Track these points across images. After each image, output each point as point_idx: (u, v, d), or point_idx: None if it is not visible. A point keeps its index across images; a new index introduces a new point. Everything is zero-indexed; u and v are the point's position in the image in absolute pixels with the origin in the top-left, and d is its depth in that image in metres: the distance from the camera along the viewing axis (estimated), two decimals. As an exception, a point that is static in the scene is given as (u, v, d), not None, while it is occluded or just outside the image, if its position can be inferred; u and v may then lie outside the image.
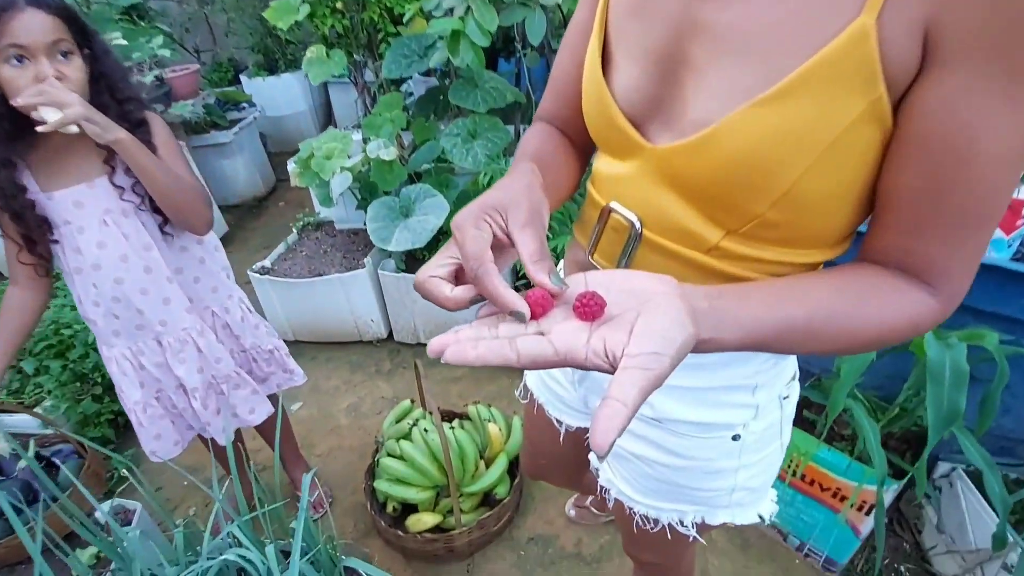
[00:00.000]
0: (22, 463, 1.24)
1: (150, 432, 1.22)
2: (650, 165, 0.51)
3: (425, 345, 2.40)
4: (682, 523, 0.71)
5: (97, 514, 1.28)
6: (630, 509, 0.74)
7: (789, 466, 1.33)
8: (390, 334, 2.26)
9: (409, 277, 2.04)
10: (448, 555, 1.44)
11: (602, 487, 0.80)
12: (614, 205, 0.56)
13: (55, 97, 0.88)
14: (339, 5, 2.17)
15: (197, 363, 1.19)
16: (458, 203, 2.10)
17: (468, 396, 1.98)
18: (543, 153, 0.62)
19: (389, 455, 1.49)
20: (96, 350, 1.84)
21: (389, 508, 1.49)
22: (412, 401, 1.65)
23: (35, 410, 1.68)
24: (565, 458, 0.95)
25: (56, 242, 1.04)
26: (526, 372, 0.89)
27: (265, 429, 1.55)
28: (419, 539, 1.38)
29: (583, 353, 0.36)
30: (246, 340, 1.29)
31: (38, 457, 1.27)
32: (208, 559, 0.96)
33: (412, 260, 2.16)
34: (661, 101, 0.50)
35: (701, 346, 0.39)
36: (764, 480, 0.69)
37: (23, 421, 1.67)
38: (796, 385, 0.68)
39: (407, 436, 1.49)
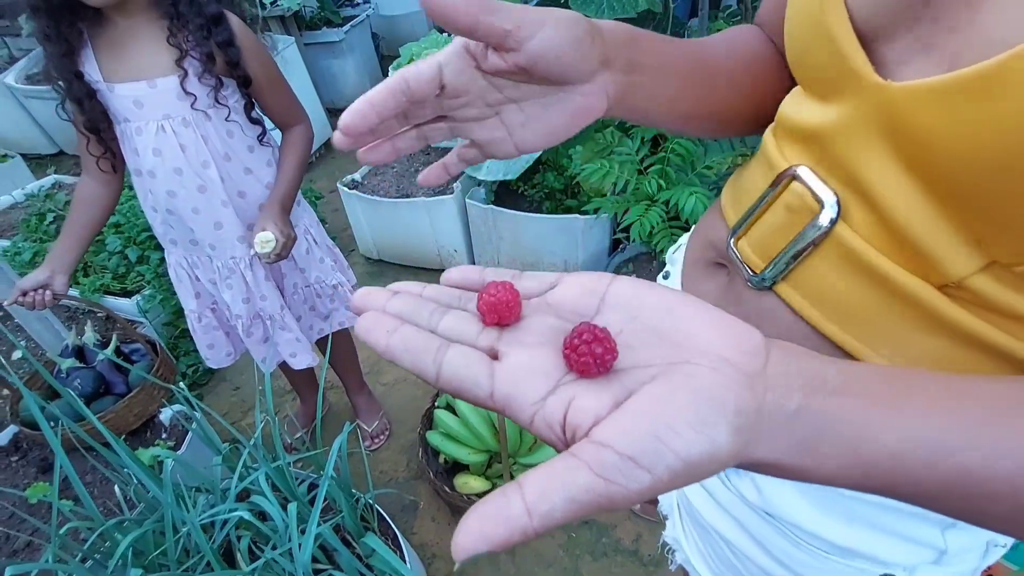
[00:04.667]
0: (101, 355, 1.28)
1: (204, 340, 1.22)
2: (881, 115, 0.29)
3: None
4: None
5: (160, 416, 1.32)
6: None
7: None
8: (473, 267, 2.13)
9: (498, 211, 1.85)
10: (495, 520, 1.35)
11: (665, 543, 0.61)
12: (802, 171, 0.34)
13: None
14: None
15: (243, 293, 1.12)
16: (562, 132, 1.84)
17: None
18: (714, 44, 0.42)
19: (448, 406, 1.39)
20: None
21: (441, 459, 1.41)
22: (480, 350, 1.53)
23: (135, 298, 1.78)
24: None
25: (115, 139, 0.98)
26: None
27: (332, 358, 1.52)
28: (465, 500, 1.30)
29: (529, 411, 0.23)
30: (311, 274, 1.21)
31: (118, 352, 1.31)
32: (235, 503, 0.92)
33: (504, 191, 1.96)
34: (923, 5, 0.27)
35: (761, 469, 0.23)
36: None
37: (124, 304, 1.77)
38: None
39: (468, 389, 1.38)
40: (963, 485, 0.22)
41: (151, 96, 0.92)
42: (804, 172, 0.33)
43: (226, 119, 0.98)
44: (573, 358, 0.23)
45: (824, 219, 0.32)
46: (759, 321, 0.35)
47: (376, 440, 1.59)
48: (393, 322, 0.25)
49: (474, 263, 2.10)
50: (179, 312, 1.90)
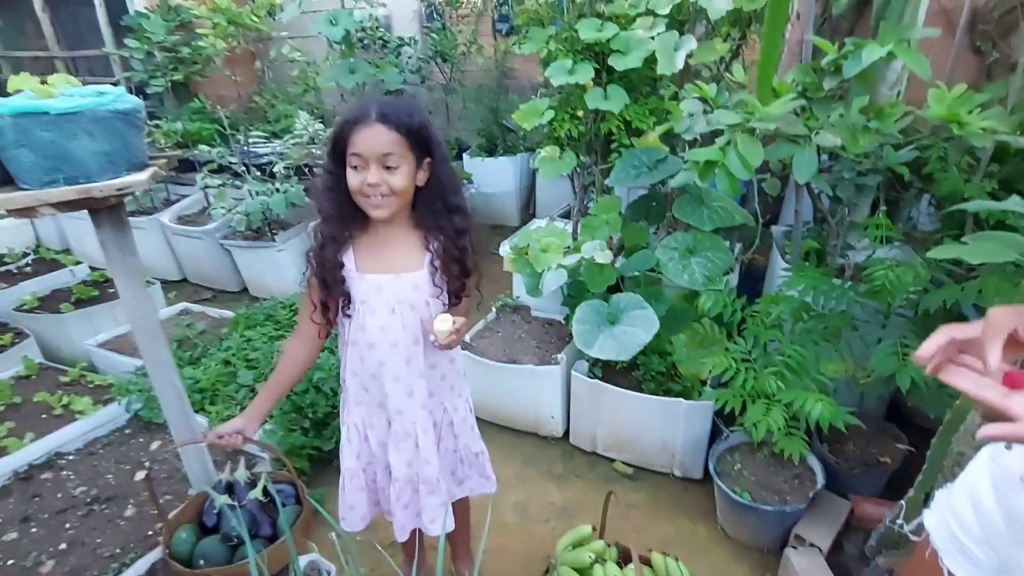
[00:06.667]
0: (251, 494, 1.36)
1: (348, 500, 1.28)
2: None
3: (604, 458, 2.22)
4: None
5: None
6: None
7: None
8: (566, 433, 2.20)
9: (604, 386, 1.98)
10: None
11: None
12: None
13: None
14: (579, 113, 2.31)
15: (409, 457, 1.22)
16: (666, 320, 2.01)
17: (643, 530, 1.81)
18: None
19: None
20: (317, 388, 2.04)
21: (554, 643, 1.36)
22: (593, 528, 1.54)
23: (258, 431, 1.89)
24: None
25: (349, 316, 1.17)
26: (927, 511, 0.87)
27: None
28: None
29: (997, 401, 0.53)
30: (461, 440, 1.32)
31: (265, 492, 1.39)
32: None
33: (607, 367, 2.10)
34: None
35: None
36: None
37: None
38: None
39: (588, 571, 1.38)
40: None
41: (392, 285, 1.12)
42: None
43: (436, 298, 1.17)
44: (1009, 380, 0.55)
45: None
46: None
47: (476, 614, 1.55)
48: (976, 378, 0.57)
49: (569, 431, 2.17)
50: (291, 451, 1.99)
